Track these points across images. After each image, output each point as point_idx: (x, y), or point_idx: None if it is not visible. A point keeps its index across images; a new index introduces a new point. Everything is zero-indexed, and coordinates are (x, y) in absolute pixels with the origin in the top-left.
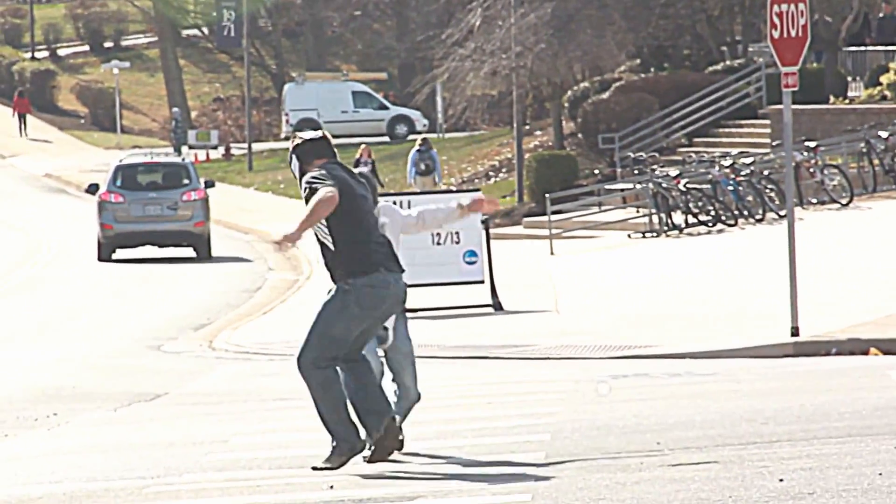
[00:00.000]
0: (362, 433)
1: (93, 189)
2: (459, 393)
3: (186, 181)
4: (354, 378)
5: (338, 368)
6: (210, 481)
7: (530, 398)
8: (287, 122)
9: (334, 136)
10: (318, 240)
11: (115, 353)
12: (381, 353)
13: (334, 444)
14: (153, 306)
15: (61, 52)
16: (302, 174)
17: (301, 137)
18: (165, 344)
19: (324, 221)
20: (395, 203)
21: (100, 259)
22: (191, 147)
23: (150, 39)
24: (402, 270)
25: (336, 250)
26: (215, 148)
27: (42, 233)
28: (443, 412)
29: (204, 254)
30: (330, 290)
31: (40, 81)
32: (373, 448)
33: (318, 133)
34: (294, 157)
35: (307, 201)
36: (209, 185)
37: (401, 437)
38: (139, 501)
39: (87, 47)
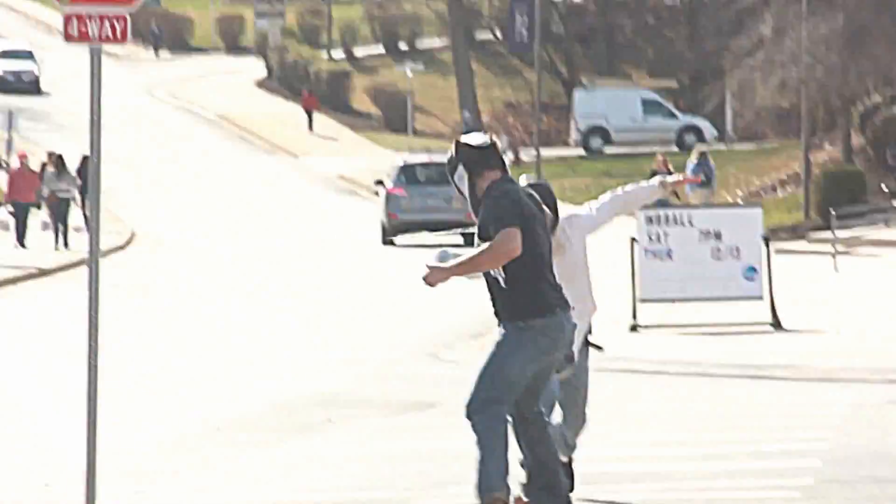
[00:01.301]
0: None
1: (379, 184)
2: (730, 413)
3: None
4: (527, 441)
5: (507, 418)
6: (472, 496)
7: (803, 421)
8: (576, 128)
9: (622, 145)
10: (486, 275)
11: (392, 360)
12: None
13: (486, 497)
14: (431, 312)
15: (357, 53)
16: (472, 187)
17: (467, 143)
18: (442, 352)
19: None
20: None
21: (383, 242)
22: None
23: (444, 42)
24: (569, 307)
25: (509, 287)
26: (504, 153)
27: (330, 235)
28: (712, 434)
29: (470, 241)
30: (502, 332)
31: (336, 82)
32: None
33: (486, 139)
34: (460, 166)
35: (482, 232)
36: None
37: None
38: None
39: (382, 48)
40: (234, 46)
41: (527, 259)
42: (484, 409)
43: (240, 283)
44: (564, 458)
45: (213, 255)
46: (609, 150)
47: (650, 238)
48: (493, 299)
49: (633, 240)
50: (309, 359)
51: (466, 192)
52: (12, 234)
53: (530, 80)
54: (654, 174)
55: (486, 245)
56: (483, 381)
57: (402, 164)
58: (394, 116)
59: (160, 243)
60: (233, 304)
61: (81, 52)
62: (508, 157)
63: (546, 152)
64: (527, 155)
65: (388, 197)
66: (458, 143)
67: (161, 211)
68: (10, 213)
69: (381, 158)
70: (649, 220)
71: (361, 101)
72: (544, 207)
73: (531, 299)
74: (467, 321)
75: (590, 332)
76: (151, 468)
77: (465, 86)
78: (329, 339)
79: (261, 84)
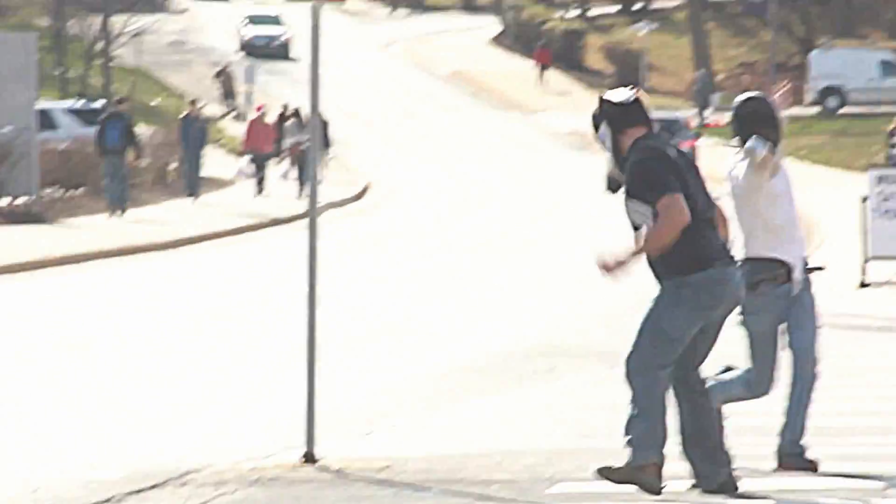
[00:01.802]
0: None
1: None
2: None
3: (682, 133)
4: (690, 405)
5: (667, 381)
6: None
7: None
8: (812, 89)
9: (858, 105)
10: (636, 226)
11: (619, 311)
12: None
13: (634, 463)
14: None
15: (591, 13)
16: (615, 144)
17: (609, 99)
18: None
19: (647, 206)
20: None
21: (609, 190)
22: (715, 110)
23: (678, 2)
24: (736, 263)
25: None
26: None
27: (560, 189)
28: None
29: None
30: (660, 289)
31: (569, 40)
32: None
33: (631, 95)
34: (603, 123)
35: (631, 190)
36: (697, 135)
37: (811, 459)
38: (618, 462)
39: (616, 8)
40: (469, 5)
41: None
42: (644, 371)
43: (470, 234)
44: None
45: (444, 207)
46: (845, 110)
47: (881, 197)
48: (647, 256)
49: (864, 199)
50: (535, 308)
51: (609, 150)
52: (253, 183)
53: (765, 41)
54: (892, 135)
55: (652, 225)
56: (643, 340)
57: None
58: (626, 75)
59: (394, 195)
60: (463, 254)
61: (324, 11)
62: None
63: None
64: None
65: None
66: (601, 99)
67: (395, 164)
68: (250, 162)
69: None
70: (879, 179)
71: (594, 60)
72: (687, 158)
73: (688, 254)
74: None
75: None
76: (375, 414)
77: (699, 45)
78: (556, 289)
79: (495, 41)
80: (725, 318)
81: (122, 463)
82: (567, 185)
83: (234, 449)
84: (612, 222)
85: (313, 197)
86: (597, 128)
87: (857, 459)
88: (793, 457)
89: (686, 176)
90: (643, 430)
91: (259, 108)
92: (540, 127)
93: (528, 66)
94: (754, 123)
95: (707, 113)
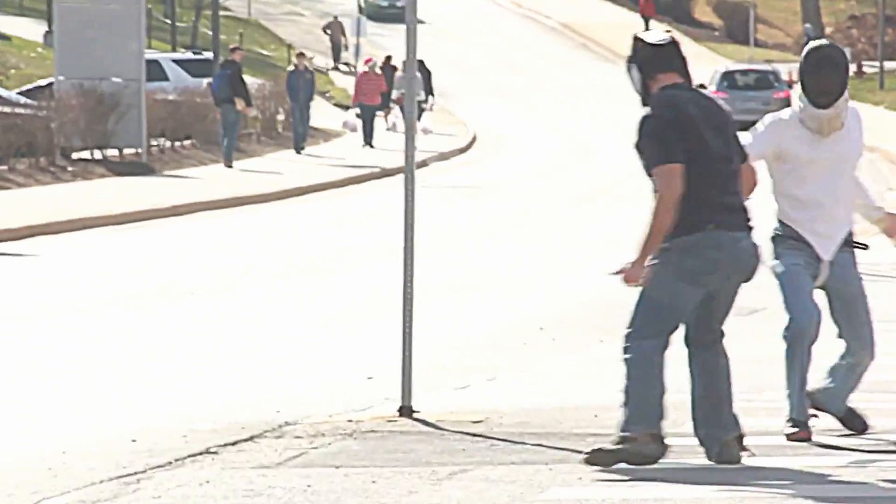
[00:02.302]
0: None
1: (701, 87)
2: None
3: (776, 84)
4: (697, 367)
5: (660, 352)
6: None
7: None
8: None
9: None
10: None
11: None
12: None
13: (621, 433)
14: (762, 216)
15: None
16: (644, 90)
17: (642, 39)
18: (768, 259)
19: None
20: None
21: None
22: None
23: None
24: (750, 228)
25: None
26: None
27: None
28: None
29: None
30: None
31: None
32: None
33: (666, 37)
34: (633, 66)
35: (637, 143)
36: (789, 87)
37: (860, 421)
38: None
39: None
40: None
41: (691, 178)
42: (634, 342)
43: (571, 188)
44: (839, 410)
45: (549, 160)
46: None
47: None
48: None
49: None
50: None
51: (640, 95)
52: (360, 135)
53: None
54: None
55: (651, 211)
56: (636, 310)
57: (724, 70)
58: (736, 27)
59: (500, 147)
60: (563, 208)
61: None
62: (851, 70)
63: (890, 65)
64: (870, 67)
65: None
66: (634, 38)
67: (503, 116)
68: (357, 115)
69: (720, 69)
70: None
71: (703, 12)
72: (720, 110)
73: (678, 216)
74: None
75: (850, 236)
76: (471, 366)
77: None
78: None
79: None
80: (736, 287)
81: (219, 415)
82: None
83: (332, 401)
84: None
85: (409, 149)
86: (628, 70)
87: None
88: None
89: (702, 130)
90: (633, 403)
91: (368, 61)
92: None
93: (637, 18)
94: (817, 69)
95: None
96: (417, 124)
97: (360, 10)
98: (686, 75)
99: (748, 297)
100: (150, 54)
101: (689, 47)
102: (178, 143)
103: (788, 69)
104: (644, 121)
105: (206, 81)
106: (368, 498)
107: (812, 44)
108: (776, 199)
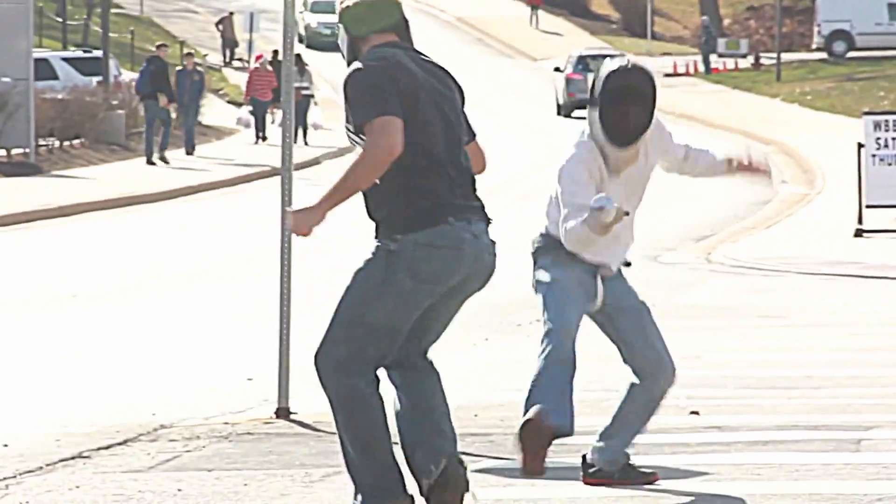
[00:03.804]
0: (409, 485)
1: (557, 71)
2: None
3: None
4: (407, 392)
5: (379, 379)
6: (671, 398)
7: None
8: (819, 32)
9: (866, 49)
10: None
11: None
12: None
13: (357, 498)
14: (658, 215)
15: None
16: (352, 54)
17: None
18: (663, 255)
19: (361, 135)
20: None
21: (559, 115)
22: (720, 55)
23: None
24: (488, 220)
25: (382, 185)
26: (744, 57)
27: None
28: None
29: None
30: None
31: None
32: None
33: None
34: (342, 27)
35: (348, 102)
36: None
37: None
38: (594, 415)
39: None
40: None
41: (408, 141)
42: (338, 374)
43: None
44: (630, 449)
45: None
46: (852, 54)
47: (878, 144)
48: (365, 205)
49: (860, 145)
50: (521, 260)
51: (347, 59)
52: (252, 131)
53: None
54: None
55: (354, 157)
56: (333, 331)
57: (578, 54)
58: (633, 20)
59: None
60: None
61: None
62: (748, 61)
63: (787, 56)
64: (767, 59)
65: (568, 80)
66: None
67: None
68: (250, 111)
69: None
70: (876, 125)
71: (600, 5)
72: (448, 76)
73: (410, 201)
74: (693, 223)
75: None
76: None
77: None
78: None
79: None
80: (468, 295)
81: (94, 419)
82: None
83: (210, 404)
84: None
85: (286, 155)
86: (337, 34)
87: (837, 412)
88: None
89: (420, 95)
90: (361, 468)
91: (258, 57)
92: (545, 73)
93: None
94: (619, 102)
95: (713, 58)
96: (309, 118)
97: (301, 38)
98: (405, 36)
99: (639, 293)
100: (40, 53)
101: (586, 41)
102: (67, 143)
103: (686, 61)
104: (351, 75)
105: (95, 80)
106: (239, 501)
107: (613, 64)
108: (551, 211)
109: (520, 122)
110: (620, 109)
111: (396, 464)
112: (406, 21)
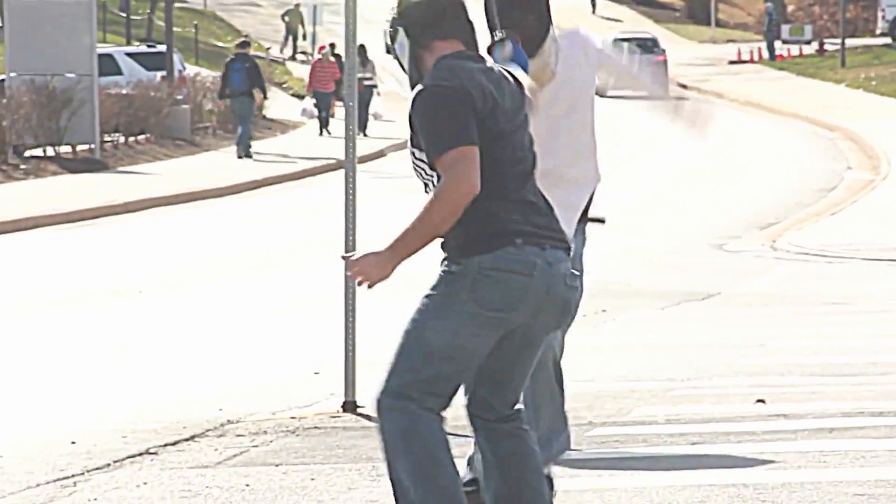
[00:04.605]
0: None
1: None
2: None
3: (655, 49)
4: (495, 457)
5: (430, 419)
6: (736, 386)
7: None
8: (883, 17)
9: None
10: (421, 178)
11: (675, 250)
12: None
13: None
14: (723, 202)
15: None
16: (414, 62)
17: None
18: (728, 242)
19: (424, 162)
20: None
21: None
22: (784, 42)
23: None
24: (567, 246)
25: None
26: (808, 43)
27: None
28: None
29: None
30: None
31: None
32: None
33: None
34: (401, 30)
35: (414, 140)
36: (664, 52)
37: None
38: (660, 404)
39: None
40: None
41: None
42: (392, 404)
43: None
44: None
45: None
46: None
47: None
48: None
49: None
50: (586, 248)
51: (407, 68)
52: (316, 123)
53: None
54: None
55: (429, 197)
56: (400, 358)
57: (613, 38)
58: (697, 8)
59: None
60: None
61: None
62: (812, 47)
63: (851, 42)
64: (831, 45)
65: None
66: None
67: None
68: (314, 104)
69: (682, 49)
70: None
71: None
72: (520, 89)
73: (476, 221)
74: (759, 210)
75: (589, 204)
76: None
77: None
78: (609, 227)
79: None
80: (545, 331)
81: (161, 415)
82: (624, 126)
83: (276, 398)
84: (663, 162)
85: (350, 147)
86: (392, 38)
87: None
88: None
89: (499, 110)
90: (407, 495)
91: (321, 49)
92: None
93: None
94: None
95: (777, 45)
96: (371, 109)
97: (387, 49)
98: (474, 44)
99: (703, 282)
100: (104, 48)
101: (651, 28)
102: (132, 139)
103: (750, 48)
104: (421, 95)
105: (159, 75)
106: (307, 496)
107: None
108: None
109: None
110: (506, 12)
111: (460, 490)
112: (472, 25)
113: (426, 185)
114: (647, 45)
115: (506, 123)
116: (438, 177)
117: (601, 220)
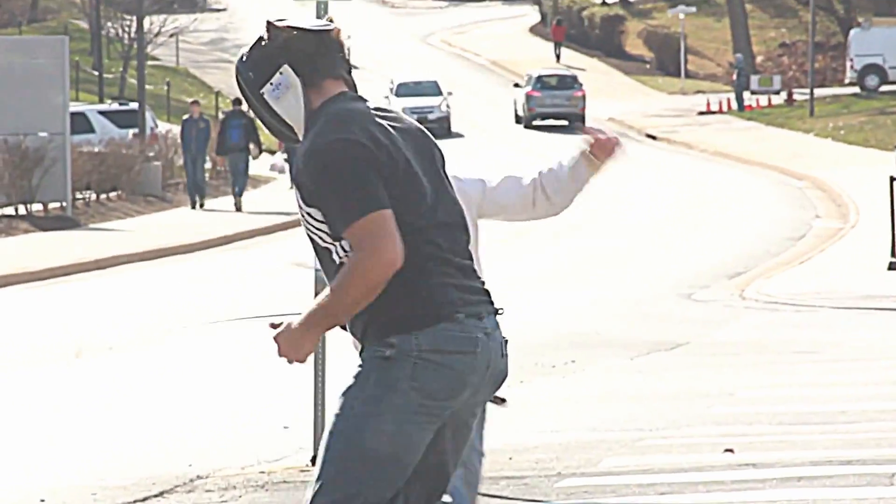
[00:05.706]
0: None
1: (517, 86)
2: None
3: (575, 85)
4: None
5: None
6: (705, 435)
7: None
8: (852, 66)
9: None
10: (318, 250)
11: (644, 300)
12: None
13: None
14: (692, 252)
15: None
16: (303, 104)
17: (291, 26)
18: (697, 292)
19: (323, 227)
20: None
21: (519, 123)
22: (753, 92)
23: None
24: (497, 311)
25: None
26: (777, 93)
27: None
28: None
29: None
30: (358, 367)
31: (609, 27)
32: None
33: (327, 23)
34: (281, 69)
35: (306, 192)
36: (581, 87)
37: None
38: (629, 454)
39: None
40: None
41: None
42: None
43: (498, 226)
44: None
45: None
46: (885, 88)
47: None
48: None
49: (893, 178)
50: (557, 299)
51: (285, 114)
52: (286, 178)
53: (805, 20)
54: None
55: (343, 271)
56: (327, 469)
57: (537, 74)
58: (666, 59)
59: None
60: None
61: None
62: (781, 97)
63: (820, 91)
64: (800, 94)
65: (528, 97)
66: (277, 27)
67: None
68: (285, 159)
69: (651, 101)
70: None
71: (634, 45)
72: (423, 135)
73: (408, 295)
74: (726, 260)
75: None
76: None
77: (738, 27)
78: (582, 279)
79: (533, 30)
80: (479, 408)
81: (131, 471)
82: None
83: (246, 453)
84: (633, 212)
85: None
86: (251, 78)
87: (871, 446)
88: None
89: (413, 163)
90: None
91: None
92: None
93: (568, 54)
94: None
95: (746, 95)
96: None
97: None
98: (352, 83)
99: (672, 332)
100: (76, 107)
101: (620, 80)
102: (104, 196)
103: (719, 99)
104: (316, 153)
105: (131, 132)
106: None
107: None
108: None
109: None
110: None
111: None
112: (349, 63)
113: (327, 250)
114: (567, 82)
115: (422, 179)
116: (344, 244)
117: (502, 400)
